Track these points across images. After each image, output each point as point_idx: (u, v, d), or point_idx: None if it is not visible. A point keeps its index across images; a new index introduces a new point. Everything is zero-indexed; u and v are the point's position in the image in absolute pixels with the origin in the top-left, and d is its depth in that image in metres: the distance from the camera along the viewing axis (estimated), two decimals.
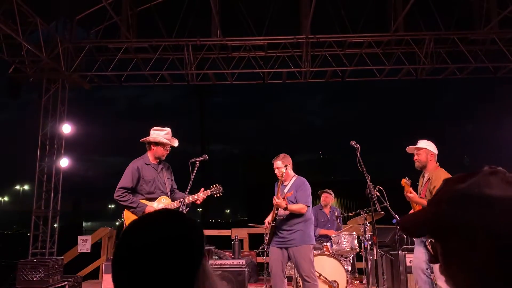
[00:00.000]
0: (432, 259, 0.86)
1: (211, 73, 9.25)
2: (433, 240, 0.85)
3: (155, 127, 4.66)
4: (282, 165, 4.69)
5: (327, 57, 8.91)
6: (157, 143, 4.58)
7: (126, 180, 4.48)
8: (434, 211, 0.82)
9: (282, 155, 4.82)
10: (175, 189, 4.82)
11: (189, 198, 4.49)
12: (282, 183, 4.80)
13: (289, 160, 4.79)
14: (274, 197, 4.56)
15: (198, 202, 4.55)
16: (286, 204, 4.51)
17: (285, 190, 4.72)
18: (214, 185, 4.68)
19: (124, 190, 4.47)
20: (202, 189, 4.60)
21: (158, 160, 4.65)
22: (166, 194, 4.57)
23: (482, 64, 8.76)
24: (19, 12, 7.01)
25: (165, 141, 4.58)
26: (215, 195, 4.67)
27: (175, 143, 4.70)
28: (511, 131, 11.97)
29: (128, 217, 4.47)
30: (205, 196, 4.58)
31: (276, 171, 4.74)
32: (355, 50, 8.84)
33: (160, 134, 4.61)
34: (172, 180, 4.79)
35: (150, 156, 4.64)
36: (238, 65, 9.04)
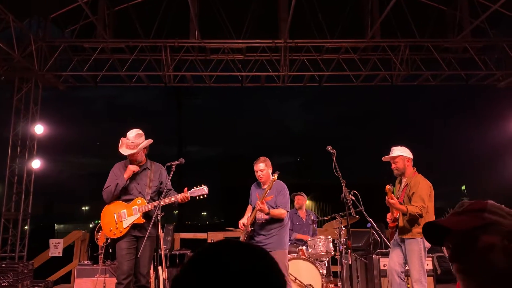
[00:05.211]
0: (452, 258, 1.09)
1: (189, 75, 9.19)
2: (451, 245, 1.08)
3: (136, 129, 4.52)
4: (265, 168, 4.69)
5: (305, 61, 9.00)
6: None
7: (107, 182, 4.54)
8: (480, 215, 1.07)
9: (262, 158, 4.79)
10: (170, 190, 4.58)
11: (166, 201, 4.37)
12: (261, 186, 4.80)
13: (270, 164, 4.79)
14: (258, 201, 4.50)
15: (180, 201, 4.40)
16: (269, 209, 4.50)
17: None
18: (197, 186, 4.48)
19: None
20: (186, 189, 4.45)
21: (136, 162, 4.53)
22: (143, 196, 4.46)
23: (455, 71, 9.01)
24: None
25: (120, 143, 4.49)
26: (197, 198, 4.44)
27: (124, 150, 4.42)
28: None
29: (104, 211, 4.46)
30: (187, 196, 4.39)
31: (259, 173, 4.72)
32: (333, 56, 8.95)
33: (128, 134, 4.47)
34: (161, 181, 4.57)
35: None
36: (216, 67, 9.01)
